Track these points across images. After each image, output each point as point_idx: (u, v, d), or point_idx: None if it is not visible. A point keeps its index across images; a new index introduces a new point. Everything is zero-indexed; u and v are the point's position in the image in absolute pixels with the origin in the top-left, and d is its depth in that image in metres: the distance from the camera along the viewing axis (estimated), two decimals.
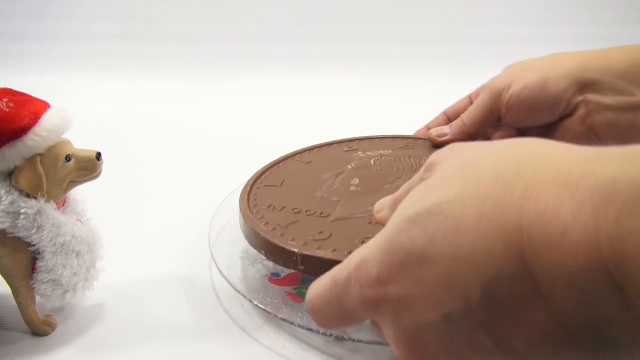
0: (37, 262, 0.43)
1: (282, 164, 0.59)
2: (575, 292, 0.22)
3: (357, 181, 0.54)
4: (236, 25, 1.17)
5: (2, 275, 0.44)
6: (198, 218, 0.61)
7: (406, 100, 0.99)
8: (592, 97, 0.53)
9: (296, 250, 0.44)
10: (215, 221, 0.57)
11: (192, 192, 0.70)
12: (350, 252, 0.42)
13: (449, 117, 0.63)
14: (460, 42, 1.11)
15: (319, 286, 0.31)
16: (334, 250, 0.44)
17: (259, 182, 0.55)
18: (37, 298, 0.45)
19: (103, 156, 0.45)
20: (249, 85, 1.06)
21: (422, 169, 0.31)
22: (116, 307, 0.49)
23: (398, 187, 0.51)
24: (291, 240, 0.45)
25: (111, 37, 1.16)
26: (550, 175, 0.23)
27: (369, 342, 0.44)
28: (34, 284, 0.44)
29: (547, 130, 0.56)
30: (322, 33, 1.16)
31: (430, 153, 0.58)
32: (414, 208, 0.27)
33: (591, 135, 0.55)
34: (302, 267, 0.44)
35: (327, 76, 1.06)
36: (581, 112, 0.54)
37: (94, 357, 0.44)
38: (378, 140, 0.64)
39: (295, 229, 0.47)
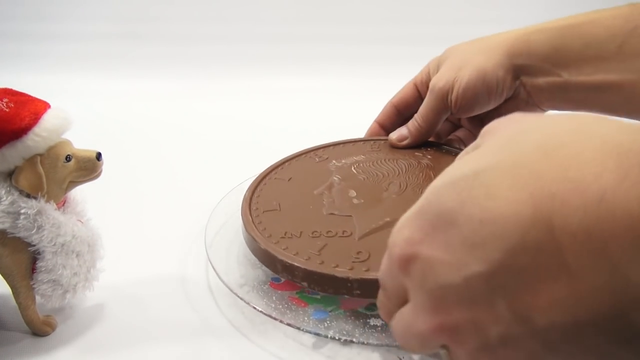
0: (37, 262, 0.43)
1: (262, 183, 0.58)
2: (604, 265, 0.21)
3: (354, 193, 0.54)
4: (236, 25, 1.16)
5: (2, 275, 0.44)
6: (197, 218, 0.61)
7: None
8: (526, 80, 0.56)
9: (350, 276, 0.44)
10: (212, 222, 0.57)
11: (192, 192, 0.70)
12: None
13: (397, 109, 0.65)
14: (460, 42, 1.10)
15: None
16: None
17: (253, 207, 0.54)
18: (37, 298, 0.45)
19: (103, 156, 0.44)
20: (248, 85, 1.05)
21: (479, 137, 0.30)
22: (116, 308, 0.49)
23: (395, 192, 0.54)
24: (335, 267, 0.45)
25: (111, 37, 1.16)
26: (597, 145, 0.23)
27: (377, 345, 0.44)
28: (34, 284, 0.44)
29: (496, 111, 0.59)
30: (322, 33, 1.15)
31: (397, 152, 0.61)
32: (451, 174, 0.27)
33: (536, 109, 0.58)
34: (358, 292, 0.44)
35: (327, 76, 1.06)
36: (522, 94, 0.57)
37: (93, 357, 0.44)
38: (341, 146, 0.64)
39: (329, 253, 0.47)
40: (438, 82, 0.58)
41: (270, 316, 0.45)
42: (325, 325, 0.45)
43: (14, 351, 0.44)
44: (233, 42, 1.15)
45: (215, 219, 0.58)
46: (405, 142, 0.61)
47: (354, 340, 0.43)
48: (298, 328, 0.44)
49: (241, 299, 0.47)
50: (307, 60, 1.11)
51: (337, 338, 0.43)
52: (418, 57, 1.08)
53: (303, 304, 0.46)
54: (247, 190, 0.57)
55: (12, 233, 0.42)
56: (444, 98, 0.57)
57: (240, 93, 1.04)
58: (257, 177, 0.59)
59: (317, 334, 0.44)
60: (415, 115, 0.61)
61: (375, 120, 0.66)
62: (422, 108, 0.60)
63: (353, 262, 0.45)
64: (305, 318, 0.45)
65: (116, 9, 1.18)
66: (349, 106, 0.97)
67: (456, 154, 0.60)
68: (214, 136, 0.88)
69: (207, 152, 0.83)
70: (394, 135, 0.61)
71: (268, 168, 0.60)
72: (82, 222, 0.46)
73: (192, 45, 1.15)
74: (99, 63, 1.12)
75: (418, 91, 0.63)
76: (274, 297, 0.48)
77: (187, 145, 0.85)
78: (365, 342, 0.43)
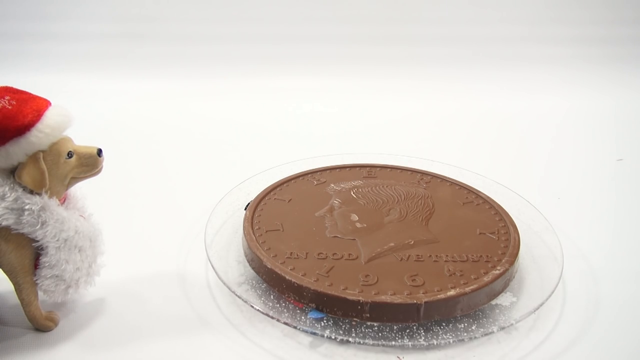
0: (40, 258, 0.43)
1: (262, 203, 0.59)
2: None
3: (356, 217, 0.56)
4: (234, 25, 1.17)
5: (5, 271, 0.44)
6: (197, 216, 0.62)
7: (406, 100, 0.99)
8: None
9: (361, 299, 0.44)
10: (212, 221, 0.58)
11: (192, 191, 0.70)
12: (409, 293, 0.45)
13: None
14: (459, 42, 1.11)
15: None
16: (394, 294, 0.45)
17: (255, 227, 0.54)
18: (40, 294, 0.45)
19: (103, 152, 0.45)
20: (247, 85, 1.06)
21: None
22: (116, 303, 0.50)
23: (396, 219, 0.55)
24: (344, 289, 0.46)
25: (110, 37, 1.16)
26: None
27: (373, 345, 0.44)
28: (37, 280, 0.44)
29: None
30: (322, 33, 1.16)
31: (392, 179, 0.63)
32: None
33: None
34: (368, 315, 0.45)
35: (327, 76, 1.07)
36: None
37: (94, 352, 0.44)
38: (337, 170, 0.66)
39: (337, 275, 0.48)
40: None
41: (267, 315, 0.46)
42: (322, 324, 0.45)
43: (16, 346, 0.44)
44: (231, 43, 1.15)
45: (215, 218, 0.58)
46: None
47: (350, 340, 0.44)
48: (295, 327, 0.45)
49: (239, 297, 0.47)
50: (307, 60, 1.11)
51: (333, 337, 0.44)
52: (418, 57, 1.09)
53: (300, 304, 0.47)
54: (247, 209, 0.57)
55: (16, 229, 0.42)
56: None
57: (241, 93, 1.04)
58: (257, 197, 0.60)
59: (314, 334, 0.45)
60: None
61: None
62: None
63: (362, 285, 0.46)
64: (303, 317, 0.46)
65: (116, 9, 1.19)
66: (348, 106, 0.98)
67: (451, 184, 0.62)
68: (214, 136, 0.88)
69: (208, 151, 0.83)
70: None
71: (267, 188, 0.61)
72: (84, 218, 0.46)
73: (191, 46, 1.15)
74: (98, 63, 1.12)
75: None
76: (272, 296, 0.48)
77: (188, 145, 0.85)
78: (362, 342, 0.44)
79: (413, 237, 0.52)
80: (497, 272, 0.48)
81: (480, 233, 0.54)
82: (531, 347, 0.46)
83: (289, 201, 0.59)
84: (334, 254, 0.50)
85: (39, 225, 0.42)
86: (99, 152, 0.44)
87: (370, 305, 0.44)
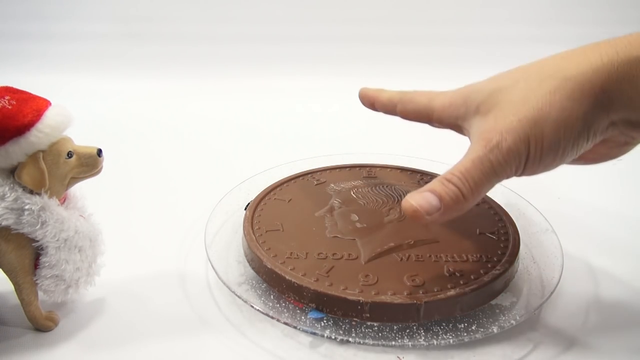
0: (40, 258, 0.43)
1: (262, 203, 0.59)
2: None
3: (356, 217, 0.55)
4: (233, 25, 1.17)
5: (5, 271, 0.44)
6: (197, 216, 0.62)
7: None
8: (624, 126, 0.42)
9: (362, 299, 0.44)
10: (212, 221, 0.58)
11: (192, 191, 0.70)
12: (409, 293, 0.45)
13: (398, 112, 0.52)
14: (460, 42, 1.11)
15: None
16: (394, 294, 0.45)
17: (255, 227, 0.54)
18: (40, 294, 0.45)
19: (103, 152, 0.45)
20: (246, 85, 1.06)
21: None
22: (116, 303, 0.50)
23: (395, 219, 0.55)
24: (344, 289, 0.46)
25: (110, 37, 1.16)
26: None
27: (373, 345, 0.44)
28: (37, 280, 0.44)
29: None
30: (321, 33, 1.16)
31: (392, 179, 0.63)
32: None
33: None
34: (368, 315, 0.45)
35: (327, 76, 1.07)
36: (615, 135, 0.43)
37: (94, 352, 0.44)
38: (337, 170, 0.66)
39: (337, 275, 0.47)
40: (502, 138, 0.40)
41: (267, 315, 0.46)
42: (322, 324, 0.45)
43: (16, 346, 0.44)
44: (230, 42, 1.15)
45: (215, 218, 0.58)
46: (434, 216, 0.41)
47: (350, 340, 0.44)
48: (295, 327, 0.45)
49: (239, 297, 0.47)
50: (306, 60, 1.11)
51: (333, 337, 0.44)
52: (418, 57, 1.09)
53: (300, 304, 0.47)
54: (247, 209, 0.57)
55: (16, 229, 0.42)
56: (510, 162, 0.41)
57: (241, 93, 1.04)
58: (257, 197, 0.60)
59: (314, 334, 0.45)
60: (454, 178, 0.41)
61: (377, 94, 0.55)
62: (470, 169, 0.41)
63: (362, 285, 0.46)
64: (303, 317, 0.46)
65: (115, 9, 1.19)
66: (348, 106, 0.97)
67: None
68: (214, 135, 0.88)
69: (208, 151, 0.83)
70: (417, 203, 0.41)
71: (267, 188, 0.61)
72: (84, 217, 0.46)
73: (190, 45, 1.15)
74: (97, 63, 1.12)
75: (427, 115, 0.50)
76: (272, 296, 0.48)
77: (188, 144, 0.86)
78: (362, 342, 0.44)
79: (413, 237, 0.52)
80: (497, 272, 0.48)
81: (480, 233, 0.54)
82: (531, 347, 0.46)
83: (289, 201, 0.59)
84: (334, 254, 0.50)
85: (39, 225, 0.42)
86: (99, 152, 0.44)
87: (370, 305, 0.44)
